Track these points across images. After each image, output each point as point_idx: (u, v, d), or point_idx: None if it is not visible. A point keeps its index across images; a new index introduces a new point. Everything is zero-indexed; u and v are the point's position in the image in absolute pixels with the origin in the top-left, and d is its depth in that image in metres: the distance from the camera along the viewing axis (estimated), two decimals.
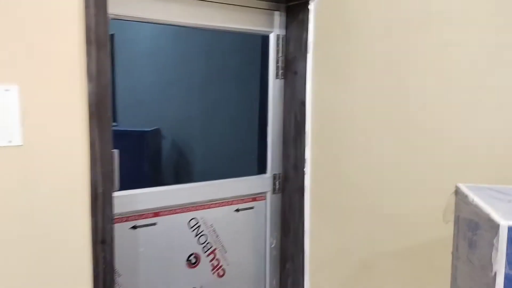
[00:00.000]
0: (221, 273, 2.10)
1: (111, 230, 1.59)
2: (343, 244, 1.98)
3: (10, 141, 1.38)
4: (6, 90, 1.35)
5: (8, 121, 1.37)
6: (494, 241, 0.92)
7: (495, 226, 0.93)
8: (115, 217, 1.68)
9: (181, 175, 2.74)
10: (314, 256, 2.12)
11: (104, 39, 1.50)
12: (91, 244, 1.55)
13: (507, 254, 0.92)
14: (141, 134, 2.71)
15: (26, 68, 1.38)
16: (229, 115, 2.53)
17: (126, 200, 1.78)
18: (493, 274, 0.93)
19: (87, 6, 1.46)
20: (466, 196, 1.13)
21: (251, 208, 2.16)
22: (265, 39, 2.15)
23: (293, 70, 2.10)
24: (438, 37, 1.56)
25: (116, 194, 1.66)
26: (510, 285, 0.92)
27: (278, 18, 2.11)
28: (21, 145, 1.39)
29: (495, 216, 0.95)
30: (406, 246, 1.74)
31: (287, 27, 2.12)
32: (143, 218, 1.86)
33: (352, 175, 1.91)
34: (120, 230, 1.78)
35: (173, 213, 1.93)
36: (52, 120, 1.44)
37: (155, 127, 2.92)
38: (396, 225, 1.76)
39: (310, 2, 2.00)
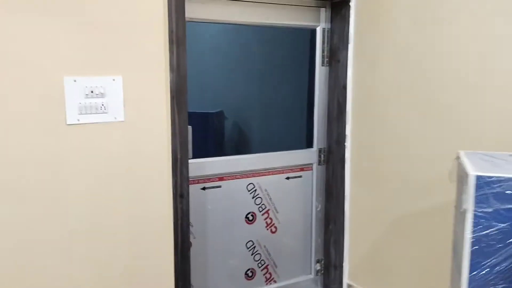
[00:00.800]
0: (273, 230, 2.52)
1: (187, 187, 2.05)
2: (377, 207, 2.32)
3: (115, 118, 1.86)
4: (113, 79, 1.83)
5: (115, 103, 1.85)
6: (464, 186, 1.26)
7: (467, 175, 1.26)
8: (190, 179, 2.14)
9: (241, 148, 3.20)
10: (353, 218, 2.48)
11: (183, 39, 1.94)
12: (173, 197, 2.01)
13: (475, 197, 1.25)
14: (208, 115, 3.18)
15: (127, 62, 1.85)
16: (281, 97, 2.92)
17: (197, 166, 2.24)
18: (462, 210, 1.26)
19: (169, 14, 1.90)
20: (460, 159, 1.46)
21: (300, 176, 2.55)
22: (312, 32, 2.50)
23: (336, 58, 2.45)
24: (455, 30, 1.85)
25: (190, 161, 2.11)
26: (476, 220, 1.26)
27: (323, 14, 2.46)
28: (123, 120, 1.87)
29: (469, 169, 1.28)
30: (426, 206, 2.06)
31: (331, 21, 2.46)
32: (211, 181, 2.31)
33: (384, 147, 2.24)
34: (193, 190, 2.23)
35: (234, 178, 2.36)
36: (145, 102, 1.90)
37: (219, 109, 3.37)
38: (418, 189, 2.09)
39: None
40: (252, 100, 3.06)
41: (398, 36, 2.12)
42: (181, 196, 2.04)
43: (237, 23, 2.27)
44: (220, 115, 3.39)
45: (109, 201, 1.88)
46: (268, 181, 2.46)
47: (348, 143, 2.44)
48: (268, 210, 2.49)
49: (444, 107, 1.93)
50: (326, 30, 2.47)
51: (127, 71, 1.86)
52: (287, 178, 2.52)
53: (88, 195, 1.84)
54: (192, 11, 2.10)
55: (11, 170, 1.69)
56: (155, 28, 1.88)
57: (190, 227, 2.25)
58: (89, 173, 1.83)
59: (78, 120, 1.79)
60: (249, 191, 2.42)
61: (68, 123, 1.77)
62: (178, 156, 2.00)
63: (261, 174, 2.44)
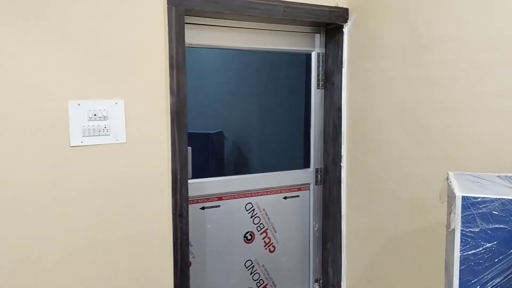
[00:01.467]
0: (272, 249, 2.56)
1: (187, 207, 2.10)
2: (372, 226, 2.37)
3: (117, 139, 1.92)
4: (116, 103, 1.90)
5: (117, 125, 1.92)
6: (452, 207, 1.31)
7: (454, 196, 1.32)
8: (189, 199, 2.19)
9: (240, 168, 3.26)
10: (350, 237, 2.53)
11: (182, 64, 2.02)
12: (172, 217, 2.07)
13: (462, 217, 1.30)
14: (208, 135, 3.26)
15: (129, 86, 1.92)
16: (279, 119, 3.00)
17: (196, 186, 2.29)
18: (450, 230, 1.32)
19: (170, 40, 1.99)
20: (449, 180, 1.52)
21: (297, 196, 2.60)
22: (308, 56, 2.59)
23: (331, 81, 2.53)
24: (443, 55, 1.93)
25: (189, 181, 2.17)
26: (464, 239, 1.31)
27: (318, 39, 2.55)
28: (125, 142, 1.94)
29: (456, 190, 1.34)
30: (420, 225, 2.11)
31: (326, 46, 2.55)
32: (210, 201, 2.36)
33: (378, 167, 2.30)
34: (192, 210, 2.29)
35: (233, 198, 2.41)
36: (146, 124, 1.97)
37: (218, 130, 3.45)
38: (411, 208, 2.14)
39: (344, 25, 2.42)
40: (251, 121, 3.14)
41: (387, 62, 2.20)
42: (181, 215, 2.09)
43: (236, 48, 2.36)
44: (219, 135, 3.47)
45: (111, 220, 1.93)
46: (266, 200, 2.51)
47: (344, 163, 2.51)
48: (267, 229, 2.53)
49: (433, 129, 2.00)
50: (321, 54, 2.56)
51: (129, 95, 1.93)
52: (285, 197, 2.57)
53: (90, 214, 1.89)
54: (192, 37, 2.18)
55: (18, 189, 1.75)
56: (156, 54, 1.96)
57: (190, 247, 2.30)
58: (92, 193, 1.89)
59: (82, 142, 1.86)
60: (247, 210, 2.47)
61: (72, 145, 1.84)
62: (178, 177, 2.06)
63: (259, 193, 2.49)
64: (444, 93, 1.94)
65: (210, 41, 2.26)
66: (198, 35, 2.22)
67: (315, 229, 2.66)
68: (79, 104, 1.84)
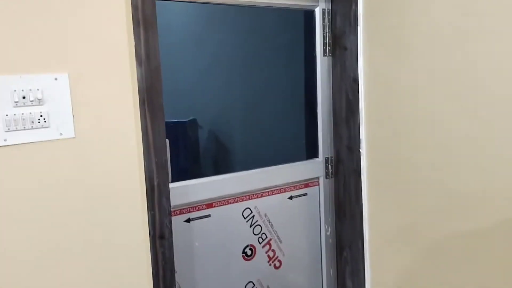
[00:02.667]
0: (277, 265, 2.00)
1: (169, 224, 1.50)
2: (407, 226, 1.85)
3: (61, 134, 1.29)
4: (56, 78, 1.26)
5: (59, 112, 1.28)
6: None
7: None
8: (171, 211, 1.59)
9: (224, 166, 2.64)
10: (374, 242, 2.00)
11: (152, 19, 1.40)
12: (150, 240, 1.46)
13: None
14: (180, 125, 2.61)
15: (74, 53, 1.28)
16: (273, 98, 2.40)
17: (178, 192, 1.69)
18: None
19: None
20: None
21: (305, 194, 2.05)
22: (309, 15, 2.02)
23: (342, 45, 1.97)
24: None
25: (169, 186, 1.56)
26: None
27: None
28: (73, 137, 1.30)
29: None
30: (480, 225, 1.61)
31: (333, 0, 1.99)
32: (197, 210, 1.76)
33: (415, 152, 1.78)
34: (174, 224, 1.68)
35: (226, 204, 1.83)
36: (103, 109, 1.34)
37: (191, 117, 2.80)
38: (468, 203, 1.63)
39: None
40: (234, 103, 2.52)
41: (424, 11, 1.66)
42: (162, 237, 1.48)
43: (219, 2, 1.75)
44: (192, 124, 2.83)
45: (60, 252, 1.30)
46: (267, 203, 1.94)
47: (363, 150, 1.96)
48: (270, 240, 1.96)
49: (499, 98, 1.48)
50: (326, 11, 1.99)
51: (75, 66, 1.29)
52: (290, 197, 2.01)
53: (27, 249, 1.25)
54: None
55: None
56: (112, 3, 1.33)
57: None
58: (26, 217, 1.24)
59: (5, 140, 1.21)
60: (245, 218, 1.89)
61: None
62: (155, 182, 1.45)
63: (258, 195, 1.92)
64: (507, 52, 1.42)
65: None
66: None
67: (328, 233, 2.12)
68: None
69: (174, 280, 1.52)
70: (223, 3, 1.78)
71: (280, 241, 1.99)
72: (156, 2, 1.45)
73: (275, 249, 1.98)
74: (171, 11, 2.28)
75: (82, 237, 1.33)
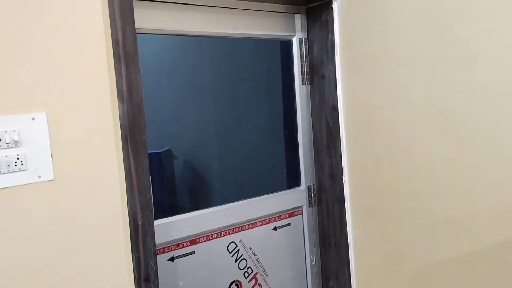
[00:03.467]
0: None
1: (155, 265, 1.43)
2: (393, 254, 1.84)
3: (39, 176, 1.21)
4: (33, 118, 1.19)
5: (37, 154, 1.21)
6: None
7: None
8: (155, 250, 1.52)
9: (208, 197, 2.58)
10: (361, 271, 1.98)
11: (134, 54, 1.36)
12: (135, 283, 1.38)
13: None
14: (155, 156, 2.54)
15: (53, 91, 1.22)
16: (252, 128, 2.37)
17: (160, 230, 1.62)
18: None
19: (112, 19, 1.32)
20: None
21: (289, 224, 2.01)
22: (286, 44, 2.02)
23: (320, 74, 1.98)
24: (483, 26, 1.46)
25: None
26: None
27: (299, 21, 1.99)
28: (52, 179, 1.23)
29: None
30: (467, 250, 1.62)
31: (308, 30, 2.00)
32: (180, 248, 1.69)
33: (398, 179, 1.78)
34: (158, 263, 1.61)
35: (210, 239, 1.77)
36: (84, 149, 1.28)
37: (165, 148, 2.74)
38: (453, 228, 1.64)
39: (333, 1, 1.89)
40: (210, 132, 2.48)
41: (401, 42, 1.70)
42: (147, 279, 1.41)
43: (199, 34, 1.73)
44: (167, 155, 2.76)
45: None
46: (252, 235, 1.89)
47: (346, 177, 1.96)
48: (256, 274, 1.91)
49: (477, 125, 1.51)
50: (303, 40, 2.01)
51: (54, 104, 1.23)
52: (275, 228, 1.97)
53: None
54: (142, 19, 1.52)
55: None
56: (93, 39, 1.28)
57: None
58: (5, 264, 1.15)
59: None
60: (230, 252, 1.83)
61: None
62: (139, 222, 1.38)
63: (243, 228, 1.87)
64: (490, 76, 1.46)
65: (163, 24, 1.61)
66: (146, 16, 1.56)
67: (313, 263, 2.09)
68: None
69: None
70: (200, 35, 1.76)
71: (266, 274, 1.94)
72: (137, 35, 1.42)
73: (261, 283, 1.93)
74: (145, 41, 2.24)
75: (62, 283, 1.24)
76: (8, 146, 1.17)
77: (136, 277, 1.38)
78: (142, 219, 1.39)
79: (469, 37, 1.50)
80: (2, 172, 1.15)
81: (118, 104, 1.34)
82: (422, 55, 1.64)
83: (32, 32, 1.18)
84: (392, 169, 1.80)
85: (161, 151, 2.64)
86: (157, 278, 1.43)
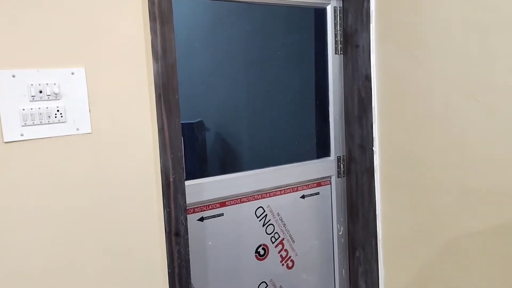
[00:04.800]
0: (290, 265, 1.98)
1: (185, 221, 1.48)
2: (422, 226, 1.83)
3: (78, 129, 1.27)
4: (72, 73, 1.25)
5: (75, 107, 1.26)
6: None
7: None
8: (186, 208, 1.57)
9: (238, 165, 2.62)
10: (388, 242, 1.98)
11: (168, 14, 1.39)
12: (165, 237, 1.44)
13: None
14: (187, 126, 2.59)
15: (91, 47, 1.27)
16: (284, 97, 2.38)
17: (191, 190, 1.67)
18: None
19: None
20: None
21: (317, 193, 2.03)
22: (320, 13, 2.01)
23: (354, 43, 1.96)
24: None
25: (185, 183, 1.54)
26: None
27: None
28: (90, 132, 1.29)
29: None
30: (498, 223, 1.59)
31: None
32: (210, 209, 1.74)
33: (430, 150, 1.76)
34: (188, 222, 1.66)
35: (239, 202, 1.81)
36: (120, 104, 1.32)
37: (198, 119, 2.79)
38: (485, 201, 1.61)
39: None
40: (243, 104, 2.51)
41: (441, 5, 1.66)
42: (177, 234, 1.46)
43: None
44: (199, 126, 2.82)
45: (74, 251, 1.28)
46: (280, 202, 1.92)
47: (376, 148, 1.95)
48: (283, 239, 1.94)
49: None
50: (338, 9, 1.98)
51: (92, 60, 1.28)
52: (303, 196, 1.99)
53: (41, 245, 1.23)
54: None
55: None
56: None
57: None
58: (42, 212, 1.22)
59: (22, 135, 1.19)
60: (258, 217, 1.87)
61: (6, 140, 1.16)
62: (171, 178, 1.43)
63: (271, 194, 1.90)
64: None
65: None
66: None
67: (340, 233, 2.10)
68: (13, 76, 1.17)
69: (190, 278, 1.50)
70: (233, 0, 1.77)
71: (293, 241, 1.97)
72: None
73: (287, 249, 1.96)
74: (175, 10, 2.27)
75: (96, 233, 1.31)
76: (48, 98, 1.22)
77: (167, 231, 1.44)
78: (173, 176, 1.43)
79: (508, 4, 1.45)
80: (43, 122, 1.22)
81: (153, 63, 1.37)
82: (458, 22, 1.60)
83: None
84: (424, 140, 1.78)
85: (194, 121, 2.70)
86: (187, 233, 1.48)
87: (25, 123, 1.19)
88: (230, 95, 2.61)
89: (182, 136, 2.29)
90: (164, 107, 1.40)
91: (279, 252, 1.94)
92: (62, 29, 1.22)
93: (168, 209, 1.43)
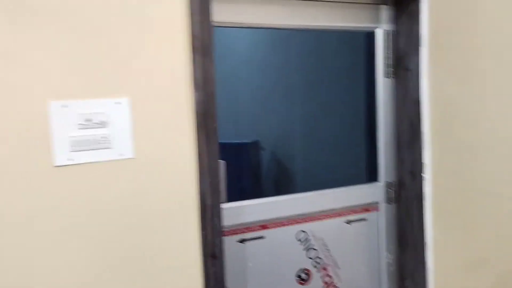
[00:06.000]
0: None
1: (221, 243, 1.53)
2: (475, 257, 1.73)
3: (121, 154, 1.37)
4: (117, 103, 1.35)
5: (120, 134, 1.36)
6: None
7: None
8: (223, 230, 1.61)
9: (283, 186, 2.64)
10: (439, 272, 1.89)
11: (209, 47, 1.46)
12: (201, 259, 1.49)
13: None
14: (240, 146, 2.66)
15: (135, 78, 1.37)
16: (333, 120, 2.38)
17: (232, 212, 1.72)
18: None
19: (192, 14, 1.43)
20: None
21: (364, 219, 1.99)
22: (370, 36, 1.98)
23: (404, 67, 1.91)
24: None
25: (223, 206, 1.59)
26: None
27: (384, 12, 1.94)
28: (133, 158, 1.38)
29: None
30: None
31: (396, 21, 1.94)
32: (250, 231, 1.77)
33: (483, 178, 1.66)
34: (228, 244, 1.71)
35: (280, 226, 1.82)
36: (161, 132, 1.41)
37: (254, 139, 2.85)
38: None
39: None
40: (295, 125, 2.53)
41: (494, 29, 1.57)
42: (213, 256, 1.51)
43: (278, 26, 1.78)
44: (255, 146, 2.88)
45: (114, 271, 1.37)
46: (324, 227, 1.91)
47: (427, 174, 1.87)
48: (327, 265, 1.92)
49: None
50: (389, 32, 1.95)
51: (135, 91, 1.37)
52: (348, 222, 1.96)
53: (84, 262, 1.33)
54: (218, 13, 1.62)
55: None
56: (172, 32, 1.41)
57: None
58: (86, 231, 1.33)
59: (70, 159, 1.31)
60: (300, 241, 1.87)
61: (56, 164, 1.29)
62: (208, 202, 1.49)
63: (314, 218, 1.89)
64: None
65: (243, 18, 1.68)
66: (226, 10, 1.65)
67: (389, 261, 2.03)
68: (65, 106, 1.30)
69: None
70: (285, 26, 1.81)
71: (338, 267, 1.94)
72: (216, 28, 1.52)
73: (332, 275, 1.94)
74: (233, 36, 2.35)
75: (136, 253, 1.39)
76: (96, 125, 1.34)
77: (203, 253, 1.49)
78: (210, 200, 1.49)
79: None
80: (90, 148, 1.33)
81: (193, 93, 1.45)
82: (510, 48, 1.51)
83: (120, 24, 1.34)
84: (476, 168, 1.68)
85: (248, 142, 2.76)
86: (223, 255, 1.53)
87: (74, 149, 1.31)
88: (283, 117, 2.65)
89: (236, 155, 2.38)
90: (203, 134, 1.47)
91: (322, 278, 1.92)
92: (108, 62, 1.33)
93: (204, 232, 1.49)
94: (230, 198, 1.69)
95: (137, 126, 1.38)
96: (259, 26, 1.74)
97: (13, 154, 1.24)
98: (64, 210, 1.30)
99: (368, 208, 2.00)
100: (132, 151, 1.38)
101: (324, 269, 1.92)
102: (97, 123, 1.34)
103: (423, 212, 1.89)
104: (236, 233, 1.75)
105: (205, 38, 1.45)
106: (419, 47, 1.84)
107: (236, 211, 1.73)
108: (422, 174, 1.88)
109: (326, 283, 1.93)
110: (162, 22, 1.39)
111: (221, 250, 1.52)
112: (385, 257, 2.03)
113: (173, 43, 1.41)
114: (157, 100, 1.40)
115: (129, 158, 1.38)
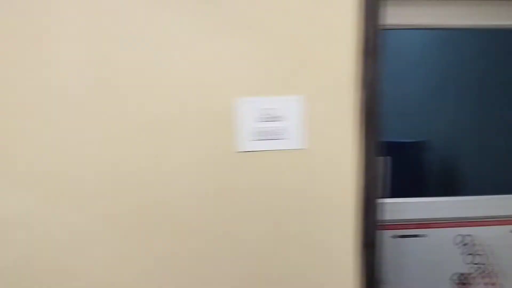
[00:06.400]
0: None
1: (378, 235, 1.61)
2: None
3: (295, 145, 1.56)
4: (293, 100, 1.54)
5: (294, 128, 1.55)
6: None
7: None
8: (381, 224, 1.70)
9: (447, 189, 2.58)
10: None
11: (380, 49, 1.55)
12: (361, 246, 1.61)
13: None
14: (404, 145, 2.67)
15: (309, 79, 1.54)
16: (504, 123, 2.25)
17: (392, 207, 1.78)
18: None
19: (364, 18, 1.54)
20: None
21: None
22: None
23: None
24: None
25: (382, 200, 1.68)
26: None
27: None
28: (305, 148, 1.56)
29: None
30: None
31: None
32: (410, 228, 1.82)
33: None
34: (386, 237, 1.78)
35: (441, 227, 1.83)
36: (329, 127, 1.56)
37: (420, 139, 2.83)
38: None
39: None
40: (466, 127, 2.44)
41: None
42: (368, 245, 1.61)
43: (449, 27, 1.78)
44: (420, 145, 2.85)
45: (281, 245, 1.58)
46: (487, 233, 1.84)
47: None
48: (489, 272, 1.86)
49: None
50: None
51: (309, 89, 1.55)
52: None
53: (258, 233, 1.57)
54: (392, 16, 1.69)
55: (179, 199, 1.54)
56: (342, 36, 1.54)
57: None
58: (259, 210, 1.56)
59: (251, 147, 1.55)
60: (460, 244, 1.84)
61: (239, 150, 1.54)
62: (367, 196, 1.59)
63: (476, 223, 1.84)
64: None
65: (413, 19, 1.73)
66: (395, 13, 1.72)
67: None
68: (248, 102, 1.54)
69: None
70: (459, 26, 1.79)
71: (503, 276, 1.86)
72: (387, 31, 1.60)
73: (495, 283, 1.86)
74: (405, 38, 2.38)
75: (301, 235, 1.58)
76: (274, 119, 1.55)
77: (361, 240, 1.61)
78: (369, 194, 1.59)
79: None
80: (268, 138, 1.55)
81: (360, 92, 1.56)
82: None
83: (301, 32, 1.52)
84: None
85: (413, 141, 2.76)
86: (379, 247, 1.62)
87: (255, 138, 1.54)
88: (453, 118, 2.58)
89: (403, 154, 2.46)
90: (366, 131, 1.57)
91: (485, 285, 1.86)
92: (288, 65, 1.53)
93: (364, 222, 1.60)
94: (393, 194, 1.76)
95: (309, 120, 1.56)
96: (430, 27, 1.76)
97: (203, 141, 1.52)
98: (243, 192, 1.55)
99: None
100: (305, 142, 1.56)
101: (487, 276, 1.86)
102: (276, 117, 1.55)
103: None
104: (396, 228, 1.81)
105: (375, 41, 1.55)
106: None
107: (397, 207, 1.79)
108: None
109: None
110: (335, 28, 1.53)
111: (377, 242, 1.61)
112: None
113: (343, 46, 1.54)
114: (326, 98, 1.55)
115: (301, 149, 1.56)
